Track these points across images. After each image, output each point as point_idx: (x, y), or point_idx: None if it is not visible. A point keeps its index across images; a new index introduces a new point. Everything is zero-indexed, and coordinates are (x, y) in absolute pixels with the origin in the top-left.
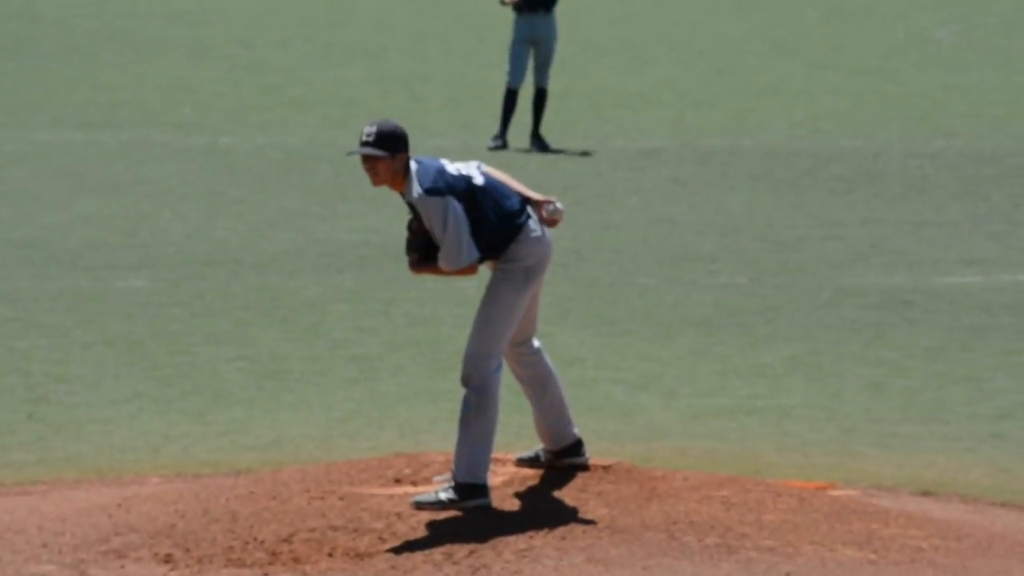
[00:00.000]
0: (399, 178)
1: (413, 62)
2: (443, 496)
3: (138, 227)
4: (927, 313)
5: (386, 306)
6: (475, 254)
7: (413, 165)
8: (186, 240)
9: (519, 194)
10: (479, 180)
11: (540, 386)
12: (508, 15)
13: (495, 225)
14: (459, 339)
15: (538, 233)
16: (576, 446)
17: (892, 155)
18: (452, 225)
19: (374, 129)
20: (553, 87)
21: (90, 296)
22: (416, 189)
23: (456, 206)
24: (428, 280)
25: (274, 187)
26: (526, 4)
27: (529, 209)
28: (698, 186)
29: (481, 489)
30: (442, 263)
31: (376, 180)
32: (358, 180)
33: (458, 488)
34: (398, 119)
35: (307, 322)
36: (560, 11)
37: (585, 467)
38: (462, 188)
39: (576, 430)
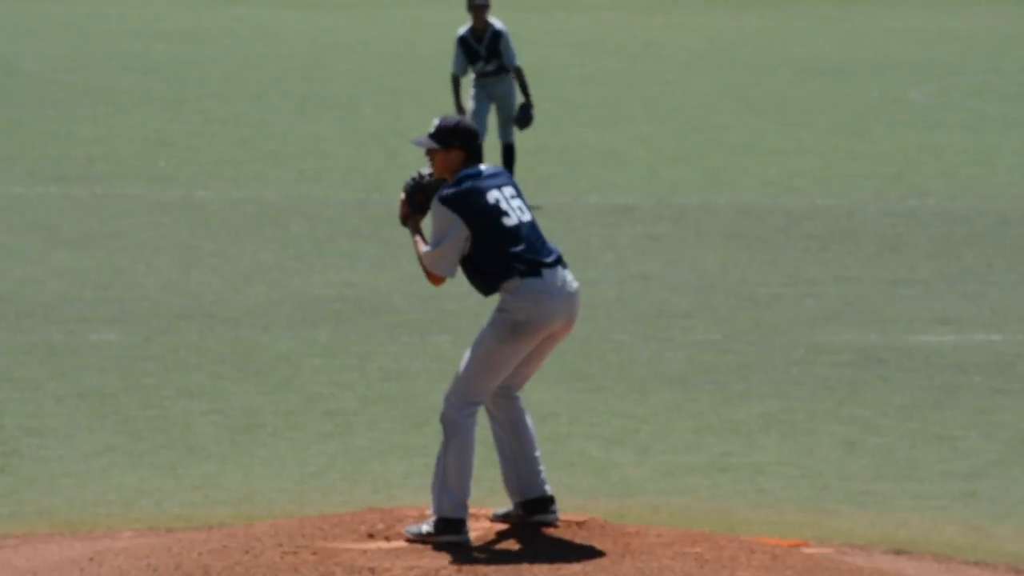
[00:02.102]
0: (450, 173)
1: (388, 117)
2: (424, 528)
3: (112, 281)
4: (900, 371)
5: (361, 361)
6: (449, 272)
7: (467, 170)
8: (160, 294)
9: (538, 254)
10: (508, 220)
11: (512, 427)
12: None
13: (487, 262)
14: (434, 394)
15: (542, 292)
16: (545, 501)
17: (866, 214)
18: (445, 241)
19: (438, 122)
20: (527, 143)
21: (63, 350)
22: (441, 191)
23: (459, 228)
24: (403, 335)
25: (249, 241)
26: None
27: (545, 271)
28: (672, 243)
29: (456, 524)
30: (423, 253)
31: (436, 171)
32: (334, 234)
33: (436, 523)
34: (373, 174)
35: (281, 376)
36: (533, 67)
37: (554, 524)
38: (478, 213)
39: (548, 488)
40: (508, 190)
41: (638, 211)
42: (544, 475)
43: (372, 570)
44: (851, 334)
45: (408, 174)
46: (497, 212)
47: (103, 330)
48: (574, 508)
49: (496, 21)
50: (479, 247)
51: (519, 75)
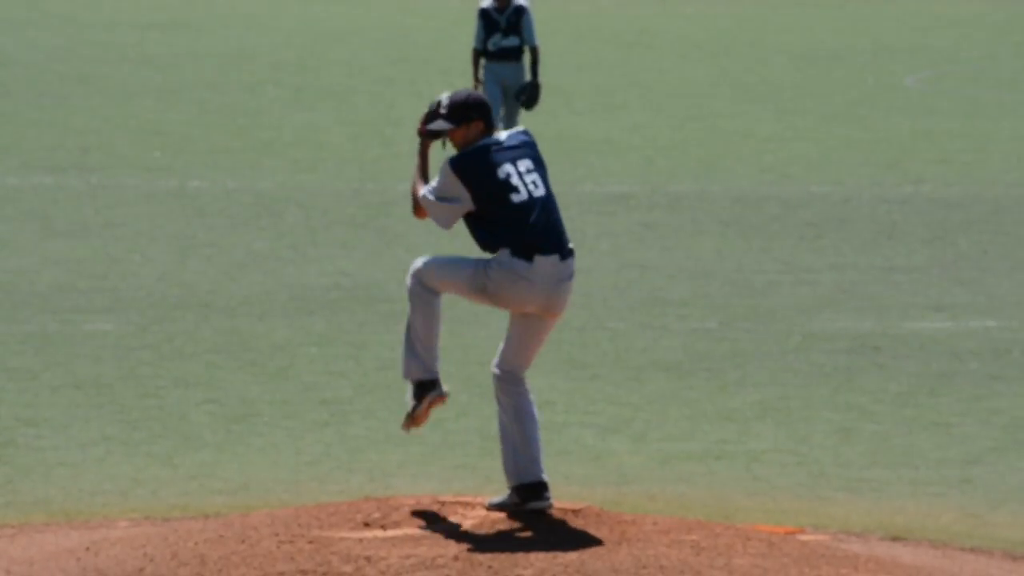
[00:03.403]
0: (471, 144)
1: (383, 106)
2: (409, 403)
3: (107, 270)
4: (896, 358)
5: (356, 350)
6: (443, 224)
7: (485, 140)
8: (155, 283)
9: (538, 238)
10: (517, 196)
11: (515, 413)
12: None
13: (486, 230)
14: None
15: (522, 277)
16: (539, 487)
17: (861, 201)
18: (446, 203)
19: (447, 100)
20: None
21: (59, 339)
22: (454, 157)
23: (462, 197)
24: (399, 324)
25: (244, 230)
26: (494, 54)
27: (539, 259)
28: (668, 231)
29: (430, 384)
30: (422, 195)
31: (456, 146)
32: (329, 224)
33: (414, 389)
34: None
35: (276, 365)
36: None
37: (548, 510)
38: (485, 188)
39: (544, 475)
40: (524, 163)
41: (633, 199)
42: (542, 462)
43: (368, 559)
44: (846, 321)
45: (370, 186)
46: (506, 187)
47: (98, 320)
48: (570, 496)
49: None
50: (483, 215)
51: (534, 54)
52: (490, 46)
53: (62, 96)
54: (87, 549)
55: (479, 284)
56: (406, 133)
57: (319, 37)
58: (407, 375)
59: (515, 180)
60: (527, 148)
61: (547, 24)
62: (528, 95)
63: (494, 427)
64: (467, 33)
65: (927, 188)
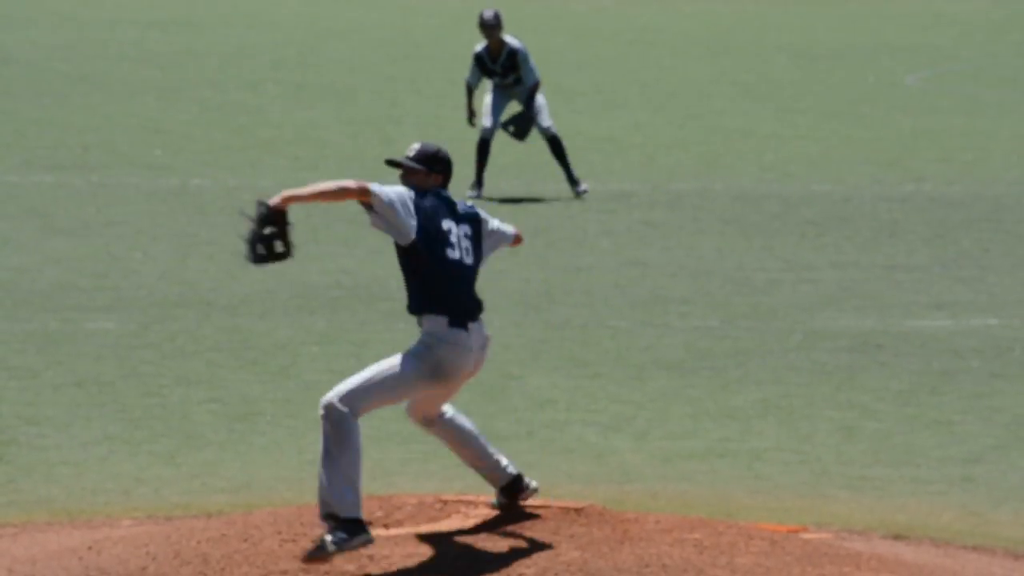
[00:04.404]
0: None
1: (384, 104)
2: (329, 539)
3: (108, 269)
4: (898, 356)
5: (358, 348)
6: (383, 207)
7: (441, 191)
8: (157, 282)
9: (466, 305)
10: (451, 253)
11: (455, 438)
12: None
13: (425, 283)
14: None
15: (464, 346)
16: (516, 481)
17: (862, 199)
18: (394, 207)
19: (418, 147)
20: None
21: (60, 338)
22: (412, 190)
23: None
24: (400, 322)
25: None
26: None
27: (473, 327)
28: (669, 229)
29: (361, 524)
30: (357, 185)
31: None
32: (330, 222)
33: (344, 525)
34: (370, 161)
35: (278, 364)
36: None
37: (537, 492)
38: (425, 227)
39: (511, 468)
40: (465, 228)
41: (635, 197)
42: (504, 460)
43: (371, 557)
44: (848, 319)
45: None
46: (444, 240)
47: (100, 318)
48: (573, 494)
49: (512, 39)
50: (418, 262)
51: (532, 88)
52: (491, 84)
53: (63, 94)
54: (89, 548)
55: (428, 371)
56: (407, 130)
57: (320, 35)
58: (341, 511)
59: (453, 238)
60: (473, 220)
61: (548, 23)
62: (518, 127)
63: (496, 425)
64: (468, 31)
65: (928, 186)
